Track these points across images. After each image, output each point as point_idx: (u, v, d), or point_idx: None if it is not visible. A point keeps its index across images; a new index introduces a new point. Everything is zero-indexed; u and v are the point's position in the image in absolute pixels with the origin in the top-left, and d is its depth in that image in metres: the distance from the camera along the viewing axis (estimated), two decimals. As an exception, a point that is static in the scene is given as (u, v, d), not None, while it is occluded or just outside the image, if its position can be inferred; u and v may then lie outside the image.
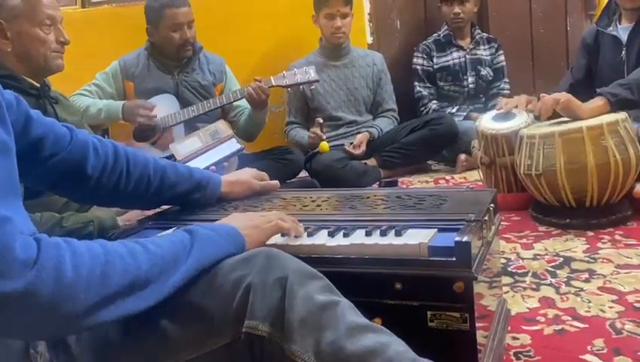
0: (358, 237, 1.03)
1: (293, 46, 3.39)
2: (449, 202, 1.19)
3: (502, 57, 3.61)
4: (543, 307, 1.54)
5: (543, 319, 1.47)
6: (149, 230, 1.18)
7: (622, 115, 2.09)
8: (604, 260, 1.81)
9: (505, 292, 1.57)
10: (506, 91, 3.53)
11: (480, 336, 0.98)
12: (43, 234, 0.76)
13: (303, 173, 3.11)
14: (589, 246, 1.94)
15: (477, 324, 0.95)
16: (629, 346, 1.30)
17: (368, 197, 1.31)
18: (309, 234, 1.07)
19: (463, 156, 3.17)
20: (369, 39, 3.72)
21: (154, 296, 0.82)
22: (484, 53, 3.59)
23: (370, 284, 0.98)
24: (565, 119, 2.20)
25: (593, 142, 2.02)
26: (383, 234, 1.02)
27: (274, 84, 2.73)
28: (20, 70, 1.82)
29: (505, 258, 1.87)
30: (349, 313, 0.83)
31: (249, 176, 1.39)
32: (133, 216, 1.57)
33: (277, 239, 1.05)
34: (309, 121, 3.22)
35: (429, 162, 3.40)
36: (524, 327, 1.43)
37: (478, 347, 0.97)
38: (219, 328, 0.85)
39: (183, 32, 2.76)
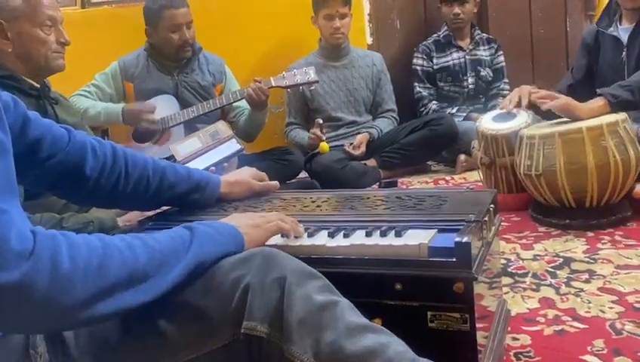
0: (358, 238, 1.03)
1: (293, 47, 3.40)
2: (449, 203, 1.19)
3: (502, 58, 3.62)
4: (543, 307, 1.54)
5: (543, 319, 1.47)
6: (149, 231, 1.18)
7: (622, 116, 2.09)
8: (604, 261, 1.80)
9: (505, 293, 1.57)
10: (505, 92, 3.52)
11: (480, 337, 0.98)
12: (39, 227, 0.75)
13: (303, 174, 3.11)
14: (588, 246, 1.94)
15: (477, 325, 0.95)
16: (629, 346, 1.30)
17: (368, 198, 1.31)
18: (309, 235, 1.07)
19: (462, 157, 3.17)
20: (369, 40, 3.72)
21: (152, 291, 0.81)
22: (483, 53, 3.59)
23: (370, 285, 0.98)
24: (565, 119, 2.20)
25: (593, 142, 2.02)
26: (383, 234, 1.02)
27: (274, 84, 2.73)
28: (20, 71, 1.82)
29: (505, 258, 1.87)
30: (349, 313, 0.82)
31: (248, 175, 1.38)
32: (134, 216, 1.57)
33: (277, 239, 1.05)
34: (308, 122, 3.22)
35: (429, 163, 3.40)
36: (524, 328, 1.43)
37: (478, 347, 0.97)
38: (217, 328, 0.85)
39: (182, 33, 2.76)
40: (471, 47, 3.58)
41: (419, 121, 3.24)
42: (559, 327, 1.42)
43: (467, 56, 3.56)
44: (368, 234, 1.03)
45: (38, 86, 1.87)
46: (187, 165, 2.00)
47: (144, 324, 0.87)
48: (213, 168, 2.39)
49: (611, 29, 2.45)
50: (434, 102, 3.54)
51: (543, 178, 2.10)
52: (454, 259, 0.94)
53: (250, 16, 3.39)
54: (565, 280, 1.70)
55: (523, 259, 1.88)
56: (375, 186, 2.97)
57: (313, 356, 0.79)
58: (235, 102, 2.78)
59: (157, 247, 0.83)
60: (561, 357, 1.29)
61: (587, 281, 1.67)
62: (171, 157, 2.49)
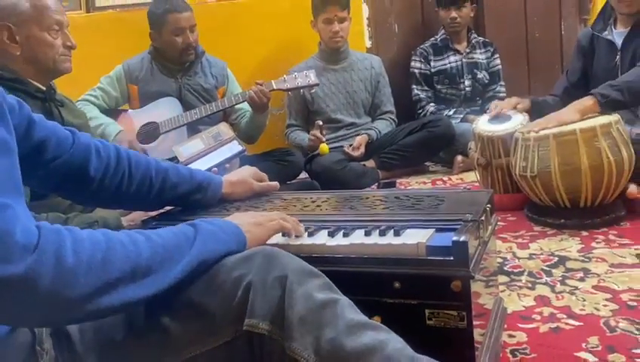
0: (358, 237, 1.03)
1: (293, 50, 3.40)
2: (446, 203, 1.19)
3: (498, 61, 3.62)
4: (538, 305, 1.54)
5: (538, 317, 1.47)
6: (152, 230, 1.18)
7: (615, 117, 2.09)
8: (599, 259, 1.80)
9: (501, 291, 1.57)
10: (502, 94, 3.53)
11: (477, 334, 0.98)
12: (44, 221, 0.75)
13: (303, 175, 3.11)
14: (583, 245, 1.94)
15: (474, 322, 0.95)
16: (623, 343, 1.30)
17: (367, 198, 1.31)
18: (310, 234, 1.07)
19: (459, 157, 3.17)
20: (368, 43, 3.72)
21: (155, 285, 0.81)
22: (480, 56, 3.59)
23: (369, 283, 0.98)
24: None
25: (587, 144, 2.02)
26: (382, 234, 1.02)
27: (275, 87, 2.73)
28: (28, 73, 1.83)
29: (501, 257, 1.87)
30: (348, 311, 0.82)
31: (248, 174, 1.38)
32: (137, 216, 1.57)
33: (278, 239, 1.05)
34: (308, 124, 3.22)
35: (427, 163, 3.40)
36: (520, 325, 1.43)
37: (475, 344, 0.97)
38: (220, 326, 0.85)
39: (186, 37, 2.76)
40: (468, 50, 3.58)
41: (417, 123, 3.23)
42: (554, 325, 1.42)
43: (464, 60, 3.56)
44: (367, 234, 1.03)
45: (44, 89, 1.87)
46: (190, 166, 2.00)
47: (148, 322, 0.87)
48: (215, 169, 2.39)
49: (606, 32, 2.44)
50: (431, 104, 3.54)
51: (538, 179, 2.10)
52: (452, 258, 0.94)
53: (251, 21, 3.39)
54: (560, 278, 1.69)
55: (519, 258, 1.88)
56: (374, 187, 2.97)
57: (314, 353, 0.79)
58: (236, 104, 2.78)
59: (160, 243, 0.83)
60: (556, 353, 1.29)
61: (582, 280, 1.67)
62: (174, 159, 2.49)
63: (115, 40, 3.13)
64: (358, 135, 3.20)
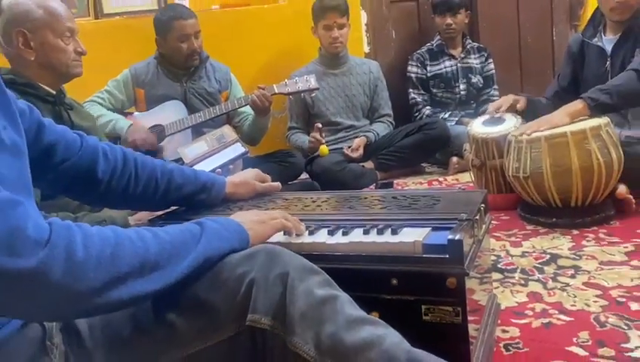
0: (357, 236, 1.03)
1: (294, 56, 3.39)
2: (442, 202, 1.19)
3: (491, 65, 3.62)
4: (531, 301, 1.54)
5: (531, 313, 1.47)
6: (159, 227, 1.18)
7: (604, 120, 2.09)
8: (589, 257, 1.80)
9: (495, 288, 1.57)
10: (495, 98, 3.52)
11: (472, 329, 0.98)
12: (55, 218, 0.75)
13: (304, 175, 3.11)
14: (574, 244, 1.94)
15: (469, 318, 0.96)
16: (613, 338, 1.30)
17: (366, 198, 1.31)
18: (310, 233, 1.07)
19: (455, 159, 3.17)
20: (366, 48, 3.72)
21: (162, 280, 0.81)
22: (474, 61, 3.59)
23: (367, 280, 0.98)
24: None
25: (577, 145, 2.02)
26: (380, 232, 1.02)
27: (276, 91, 2.73)
28: (40, 78, 1.83)
29: (495, 255, 1.87)
30: (348, 306, 0.82)
31: (252, 176, 1.38)
32: (144, 215, 1.57)
33: (280, 237, 1.05)
34: (309, 126, 3.21)
35: (423, 165, 3.39)
36: (513, 321, 1.43)
37: (470, 339, 0.97)
38: (223, 322, 0.85)
39: (190, 43, 2.77)
40: (462, 55, 3.58)
41: (413, 126, 3.23)
42: (546, 320, 1.42)
43: (459, 64, 3.56)
44: (366, 232, 1.03)
45: (54, 93, 1.87)
46: (194, 167, 2.01)
47: (154, 318, 0.87)
48: (219, 170, 2.39)
49: (595, 39, 2.44)
50: (427, 107, 3.54)
51: (530, 180, 2.10)
52: (447, 256, 0.94)
53: (254, 28, 3.39)
54: (552, 275, 1.69)
55: (512, 256, 1.88)
56: (372, 187, 2.97)
57: (314, 347, 0.79)
58: (239, 107, 2.78)
59: (167, 239, 0.83)
60: (548, 348, 1.29)
61: (573, 276, 1.67)
62: (179, 160, 2.49)
63: (122, 45, 3.13)
64: (356, 137, 3.20)
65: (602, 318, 1.40)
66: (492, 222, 1.83)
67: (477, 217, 1.10)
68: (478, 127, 2.50)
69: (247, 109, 2.87)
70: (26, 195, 0.79)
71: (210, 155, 2.53)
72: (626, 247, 1.85)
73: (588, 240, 1.95)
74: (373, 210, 1.20)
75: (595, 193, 2.07)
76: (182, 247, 0.84)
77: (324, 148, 2.95)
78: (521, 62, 3.96)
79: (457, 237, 0.94)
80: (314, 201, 1.29)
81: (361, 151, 3.11)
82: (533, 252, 1.90)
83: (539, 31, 3.93)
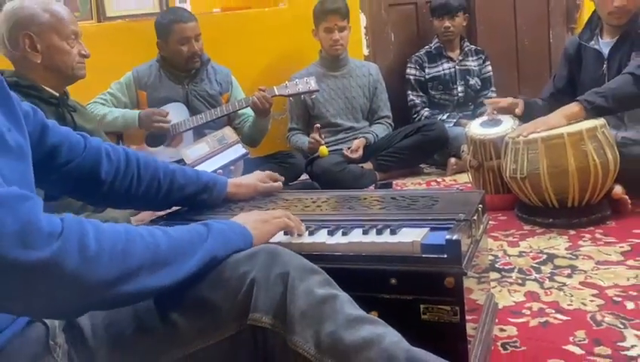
0: (356, 236, 1.03)
1: (295, 58, 3.39)
2: (440, 203, 1.19)
3: (489, 68, 3.62)
4: (528, 301, 1.54)
5: (528, 312, 1.47)
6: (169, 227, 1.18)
7: (600, 122, 2.09)
8: (585, 257, 1.80)
9: (492, 287, 1.57)
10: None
11: (469, 328, 0.98)
12: (67, 213, 0.75)
13: (304, 176, 3.11)
14: (570, 243, 1.94)
15: (467, 317, 0.96)
16: (609, 337, 1.31)
17: (365, 199, 1.31)
18: (310, 233, 1.07)
19: (453, 160, 3.17)
20: (365, 51, 3.72)
21: (170, 276, 0.81)
22: (472, 63, 3.59)
23: (367, 280, 0.98)
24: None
25: (574, 147, 2.02)
26: (379, 232, 1.02)
27: (277, 93, 2.73)
28: (44, 80, 1.84)
29: (492, 255, 1.87)
30: (347, 306, 0.83)
31: (256, 179, 1.39)
32: (146, 216, 1.57)
33: (280, 237, 1.05)
34: (309, 127, 3.21)
35: (422, 165, 3.39)
36: (510, 320, 1.43)
37: (468, 338, 0.97)
38: (225, 320, 0.85)
39: (191, 45, 2.77)
40: (460, 57, 3.58)
41: (412, 127, 3.23)
42: (543, 319, 1.42)
43: (457, 67, 3.56)
44: (365, 233, 1.04)
45: (58, 95, 1.88)
46: (196, 168, 2.00)
47: (156, 317, 0.87)
48: (220, 171, 2.39)
49: (593, 42, 2.43)
50: (426, 109, 3.54)
51: (527, 180, 2.10)
52: (445, 256, 0.94)
53: (254, 30, 3.39)
54: (549, 275, 1.70)
55: (509, 256, 1.88)
56: (371, 187, 2.96)
57: (314, 345, 0.79)
58: (240, 109, 2.78)
59: (176, 237, 0.84)
60: (545, 346, 1.29)
61: (569, 276, 1.67)
62: (181, 161, 2.49)
63: (124, 48, 3.13)
64: (356, 138, 3.20)
65: (598, 317, 1.41)
66: (490, 222, 1.83)
67: (475, 217, 1.10)
68: (475, 128, 2.50)
69: (248, 111, 2.87)
70: None
71: (212, 156, 2.53)
72: (622, 247, 1.85)
73: (584, 240, 1.95)
74: (372, 210, 1.20)
75: (591, 194, 2.07)
76: (190, 246, 0.85)
77: (323, 149, 2.95)
78: (519, 65, 3.97)
79: (455, 237, 0.94)
80: (314, 202, 1.29)
81: (360, 152, 3.11)
82: (531, 252, 1.90)
83: (536, 34, 3.93)
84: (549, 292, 1.57)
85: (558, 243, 1.95)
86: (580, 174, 2.02)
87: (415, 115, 3.54)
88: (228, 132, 2.63)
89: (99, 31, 3.22)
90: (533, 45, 3.94)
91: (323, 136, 3.00)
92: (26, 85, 1.79)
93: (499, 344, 1.31)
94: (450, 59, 3.57)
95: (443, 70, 3.56)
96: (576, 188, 2.05)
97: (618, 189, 2.13)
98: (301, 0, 3.43)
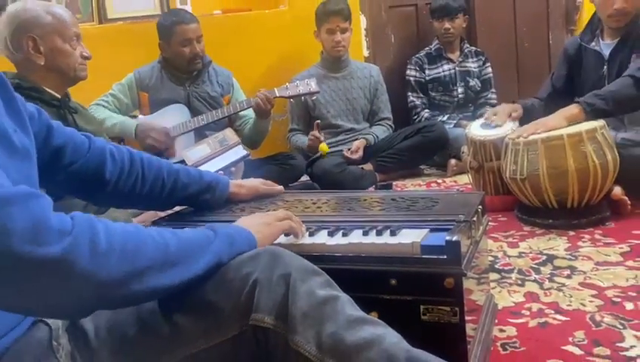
0: (356, 237, 1.03)
1: (295, 60, 3.40)
2: (440, 204, 1.19)
3: (489, 69, 3.62)
4: (527, 301, 1.54)
5: (527, 312, 1.47)
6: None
7: (600, 123, 2.09)
8: (585, 258, 1.81)
9: (492, 288, 1.58)
10: (493, 101, 3.54)
11: (469, 329, 0.99)
12: (77, 212, 0.75)
13: (305, 177, 3.11)
14: (570, 244, 1.94)
15: (466, 317, 0.96)
16: (608, 338, 1.31)
17: (365, 200, 1.31)
18: (311, 234, 1.07)
19: (453, 161, 3.17)
20: (366, 53, 3.72)
21: (179, 276, 0.81)
22: (472, 65, 3.59)
23: (367, 280, 0.98)
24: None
25: (573, 148, 2.03)
26: (379, 233, 1.03)
27: (278, 95, 2.73)
28: (46, 82, 1.84)
29: (492, 256, 1.88)
30: (348, 307, 0.83)
31: (257, 181, 1.39)
32: (148, 216, 1.58)
33: (281, 239, 1.05)
34: (310, 128, 3.21)
35: (422, 167, 3.40)
36: (510, 320, 1.44)
37: (468, 338, 0.97)
38: (228, 321, 0.85)
39: (193, 47, 2.77)
40: (460, 59, 3.58)
41: (412, 128, 3.24)
42: (543, 320, 1.43)
43: (457, 68, 3.56)
44: (365, 234, 1.04)
45: (59, 97, 1.88)
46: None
47: (159, 318, 0.87)
48: (221, 172, 2.40)
49: (593, 43, 2.43)
50: (426, 110, 3.55)
51: (527, 181, 2.11)
52: (445, 257, 0.94)
53: (255, 32, 3.40)
54: (548, 275, 1.70)
55: (509, 257, 1.88)
56: (372, 189, 2.97)
57: (316, 346, 0.79)
58: (241, 111, 2.79)
59: (185, 238, 0.85)
60: (544, 347, 1.29)
61: (569, 277, 1.68)
62: (182, 162, 2.49)
63: (126, 50, 3.13)
64: (356, 139, 3.20)
65: (598, 318, 1.41)
66: (489, 223, 1.83)
67: (474, 218, 1.10)
68: (475, 129, 2.50)
69: (249, 113, 2.87)
70: None
71: (213, 158, 2.54)
72: (621, 248, 1.86)
73: (584, 241, 1.95)
74: (372, 211, 1.20)
75: (590, 195, 2.07)
76: (198, 248, 0.85)
77: (323, 146, 2.95)
78: (518, 66, 3.97)
79: (455, 238, 0.94)
80: (314, 203, 1.29)
81: (360, 153, 3.11)
82: (530, 253, 1.90)
83: (535, 35, 3.94)
84: (548, 293, 1.58)
85: (557, 244, 1.96)
86: (580, 175, 2.03)
87: (415, 117, 3.55)
88: (229, 133, 2.64)
89: (100, 33, 3.22)
90: (533, 47, 3.95)
91: (322, 133, 3.00)
92: (28, 87, 1.79)
93: (498, 344, 1.31)
94: (450, 60, 3.57)
95: (443, 71, 3.56)
96: (576, 189, 2.05)
97: (617, 190, 2.13)
98: (302, 2, 3.44)
